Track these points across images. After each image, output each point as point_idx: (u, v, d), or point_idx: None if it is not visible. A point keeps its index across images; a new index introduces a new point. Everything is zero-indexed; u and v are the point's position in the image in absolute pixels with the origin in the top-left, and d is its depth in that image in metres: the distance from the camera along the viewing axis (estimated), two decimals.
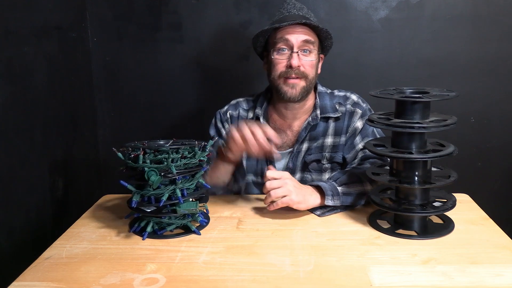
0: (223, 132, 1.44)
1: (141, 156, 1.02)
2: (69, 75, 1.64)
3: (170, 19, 1.79)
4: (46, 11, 1.48)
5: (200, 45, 1.81)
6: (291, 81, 1.31)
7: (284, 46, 1.31)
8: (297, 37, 1.29)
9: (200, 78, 1.85)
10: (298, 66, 1.29)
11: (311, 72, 1.32)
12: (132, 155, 1.04)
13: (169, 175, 1.02)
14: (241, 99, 1.49)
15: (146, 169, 1.01)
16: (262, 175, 1.42)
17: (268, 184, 1.13)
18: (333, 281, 0.87)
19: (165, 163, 1.02)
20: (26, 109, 1.34)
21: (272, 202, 1.15)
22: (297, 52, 1.29)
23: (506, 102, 1.83)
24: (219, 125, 1.45)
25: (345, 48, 1.79)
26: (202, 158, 1.08)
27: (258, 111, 1.41)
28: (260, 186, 1.44)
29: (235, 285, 0.87)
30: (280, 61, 1.32)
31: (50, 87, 1.48)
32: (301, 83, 1.32)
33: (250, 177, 1.44)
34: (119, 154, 1.05)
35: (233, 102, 1.49)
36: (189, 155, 1.07)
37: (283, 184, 1.13)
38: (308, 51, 1.31)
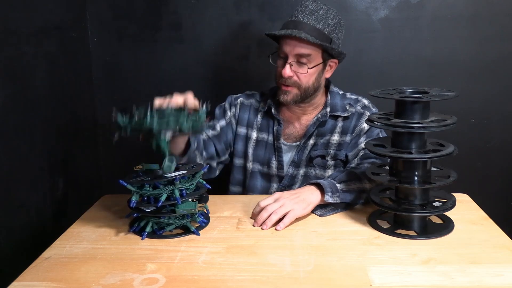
0: (228, 114, 1.48)
1: (148, 115, 0.98)
2: (69, 75, 1.64)
3: (170, 19, 1.79)
4: (46, 11, 1.48)
5: (200, 45, 1.81)
6: (284, 88, 1.35)
7: (281, 54, 1.34)
8: (292, 49, 1.30)
9: (200, 78, 1.85)
10: (290, 76, 1.32)
11: (305, 82, 1.33)
12: (137, 118, 1.00)
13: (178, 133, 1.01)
14: (256, 92, 1.53)
15: (155, 125, 0.97)
16: (268, 164, 1.44)
17: (270, 208, 1.12)
18: (333, 281, 0.87)
19: (171, 123, 1.00)
20: (26, 109, 1.34)
21: (270, 222, 1.11)
22: (290, 62, 1.31)
23: (506, 102, 1.83)
24: (226, 106, 1.50)
25: (345, 48, 1.78)
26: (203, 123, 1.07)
27: (270, 101, 1.44)
28: (265, 175, 1.45)
29: (235, 285, 0.87)
30: (278, 66, 1.36)
31: (50, 87, 1.48)
32: (294, 91, 1.35)
33: (256, 166, 1.46)
34: (119, 116, 1.01)
35: (248, 92, 1.53)
36: (195, 118, 1.05)
37: (282, 204, 1.12)
38: (303, 63, 1.31)
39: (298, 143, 1.43)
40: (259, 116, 1.47)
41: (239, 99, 1.50)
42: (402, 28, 1.78)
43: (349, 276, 0.89)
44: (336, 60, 1.40)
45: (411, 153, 1.02)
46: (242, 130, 1.48)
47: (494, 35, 1.77)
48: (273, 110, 1.43)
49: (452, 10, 1.75)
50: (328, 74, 1.40)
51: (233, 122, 1.49)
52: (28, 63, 1.37)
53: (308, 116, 1.44)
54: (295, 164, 1.42)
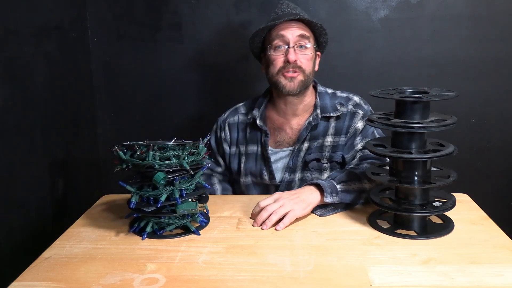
0: (222, 145, 1.48)
1: (151, 152, 1.01)
2: (69, 75, 1.64)
3: (170, 19, 1.79)
4: (46, 11, 1.48)
5: (200, 45, 1.81)
6: (289, 74, 1.33)
7: (280, 43, 1.33)
8: (293, 32, 1.32)
9: (200, 78, 1.85)
10: (295, 60, 1.31)
11: (308, 67, 1.34)
12: (139, 152, 1.03)
13: (182, 172, 1.03)
14: (240, 104, 1.51)
15: (156, 166, 1.00)
16: (260, 175, 1.43)
17: (270, 208, 1.12)
18: (333, 281, 0.87)
19: (173, 160, 1.02)
20: (26, 109, 1.34)
21: (270, 222, 1.11)
22: (293, 47, 1.32)
23: (506, 102, 1.83)
24: (218, 133, 1.49)
25: (345, 48, 1.79)
26: (204, 156, 1.09)
27: (255, 112, 1.42)
28: (261, 186, 1.45)
29: (235, 285, 0.87)
30: (277, 57, 1.34)
31: (50, 87, 1.48)
32: (299, 77, 1.34)
33: (250, 179, 1.45)
34: (120, 153, 1.05)
35: (232, 108, 1.51)
36: (195, 151, 1.07)
37: (282, 204, 1.12)
38: (304, 47, 1.33)
39: (292, 148, 1.41)
40: (247, 129, 1.45)
41: (226, 121, 1.48)
42: (402, 28, 1.78)
43: (349, 276, 0.89)
44: (319, 53, 1.43)
45: (411, 153, 1.02)
46: (233, 149, 1.47)
47: (494, 35, 1.77)
48: (258, 122, 1.41)
49: (452, 10, 1.75)
50: (316, 66, 1.41)
51: (226, 147, 1.48)
52: (28, 63, 1.37)
53: (299, 120, 1.42)
54: (291, 169, 1.40)
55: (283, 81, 1.34)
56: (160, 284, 0.87)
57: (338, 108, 1.40)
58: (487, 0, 1.74)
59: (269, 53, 1.35)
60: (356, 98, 1.43)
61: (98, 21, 1.79)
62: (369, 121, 1.08)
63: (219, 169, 1.50)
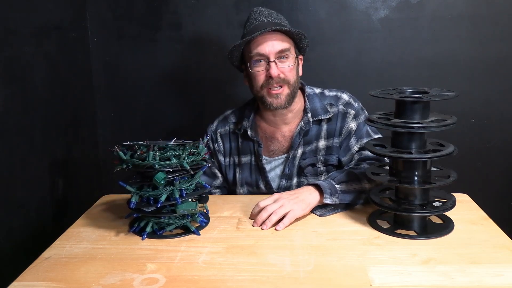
0: (217, 156, 1.46)
1: (151, 152, 1.01)
2: (69, 75, 1.64)
3: (170, 19, 1.79)
4: (46, 11, 1.48)
5: (200, 45, 1.81)
6: (274, 91, 1.29)
7: (260, 58, 1.29)
8: (272, 47, 1.27)
9: (200, 78, 1.85)
10: (278, 74, 1.28)
11: (292, 77, 1.30)
12: (139, 153, 1.03)
13: (182, 172, 1.03)
14: (228, 112, 1.48)
15: (156, 166, 1.00)
16: (257, 185, 1.42)
17: (270, 209, 1.12)
18: (333, 281, 0.87)
19: (174, 160, 1.02)
20: (26, 109, 1.34)
21: (270, 222, 1.11)
22: (274, 60, 1.27)
23: (506, 102, 1.83)
24: (211, 146, 1.46)
25: (345, 48, 1.79)
26: (204, 156, 1.09)
27: (246, 123, 1.40)
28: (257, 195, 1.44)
29: (235, 285, 0.87)
30: (259, 73, 1.30)
31: (50, 87, 1.48)
32: (285, 91, 1.30)
33: (246, 189, 1.45)
34: (120, 153, 1.04)
35: (221, 117, 1.48)
36: (195, 151, 1.07)
37: (281, 204, 1.12)
38: (285, 57, 1.29)
39: (286, 155, 1.39)
40: (239, 140, 1.43)
41: (218, 132, 1.45)
42: (402, 28, 1.78)
43: (349, 276, 0.89)
44: (301, 56, 1.39)
45: (411, 153, 1.02)
46: (228, 160, 1.46)
47: (494, 35, 1.77)
48: (249, 133, 1.38)
49: (452, 10, 1.75)
50: (300, 71, 1.38)
51: (221, 158, 1.46)
52: (28, 63, 1.37)
53: (290, 127, 1.39)
54: (287, 176, 1.39)
55: (269, 98, 1.30)
56: (160, 284, 0.87)
57: (329, 109, 1.37)
58: (487, 0, 1.74)
59: (251, 70, 1.30)
60: (345, 96, 1.39)
61: (98, 21, 1.79)
62: (369, 121, 1.08)
63: (217, 182, 1.47)
